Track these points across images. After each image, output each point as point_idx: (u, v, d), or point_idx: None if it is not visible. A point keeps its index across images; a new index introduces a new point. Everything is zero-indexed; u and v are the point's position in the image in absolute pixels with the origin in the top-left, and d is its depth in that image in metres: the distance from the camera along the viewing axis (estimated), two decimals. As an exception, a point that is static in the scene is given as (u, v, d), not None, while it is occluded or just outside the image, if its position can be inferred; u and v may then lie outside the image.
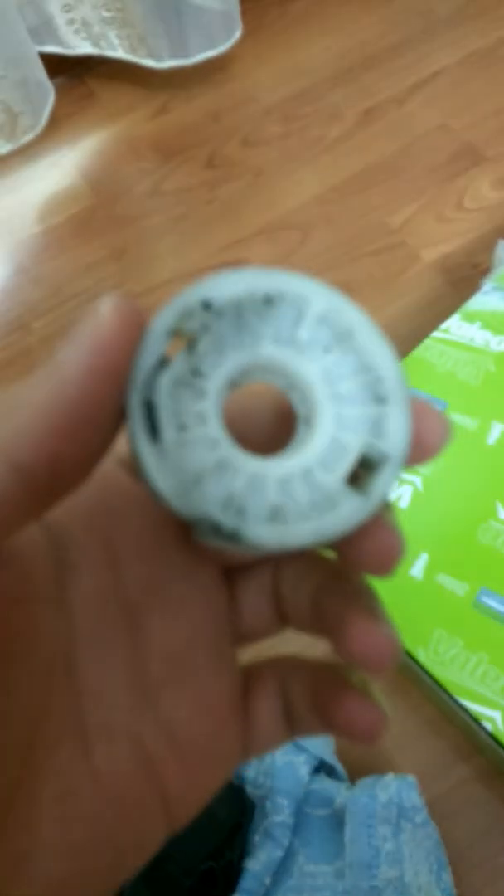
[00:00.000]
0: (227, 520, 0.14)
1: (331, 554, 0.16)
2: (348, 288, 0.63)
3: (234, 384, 0.15)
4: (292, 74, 0.79)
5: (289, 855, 0.40)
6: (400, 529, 0.15)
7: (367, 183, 0.70)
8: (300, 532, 0.14)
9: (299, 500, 0.14)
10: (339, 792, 0.41)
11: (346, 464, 0.15)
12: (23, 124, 0.75)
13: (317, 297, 0.15)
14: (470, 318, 0.51)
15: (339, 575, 0.17)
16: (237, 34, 0.75)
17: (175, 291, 0.14)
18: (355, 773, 0.43)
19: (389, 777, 0.40)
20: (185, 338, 0.14)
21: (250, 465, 0.14)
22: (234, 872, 0.38)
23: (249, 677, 0.18)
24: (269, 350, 0.15)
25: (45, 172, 0.76)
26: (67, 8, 0.74)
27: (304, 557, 0.18)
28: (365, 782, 0.41)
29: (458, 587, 0.42)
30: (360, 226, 0.68)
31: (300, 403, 0.15)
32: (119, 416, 0.13)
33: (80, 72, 0.82)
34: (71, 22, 0.75)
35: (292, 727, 0.18)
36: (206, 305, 0.14)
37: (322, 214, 0.69)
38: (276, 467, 0.15)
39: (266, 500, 0.14)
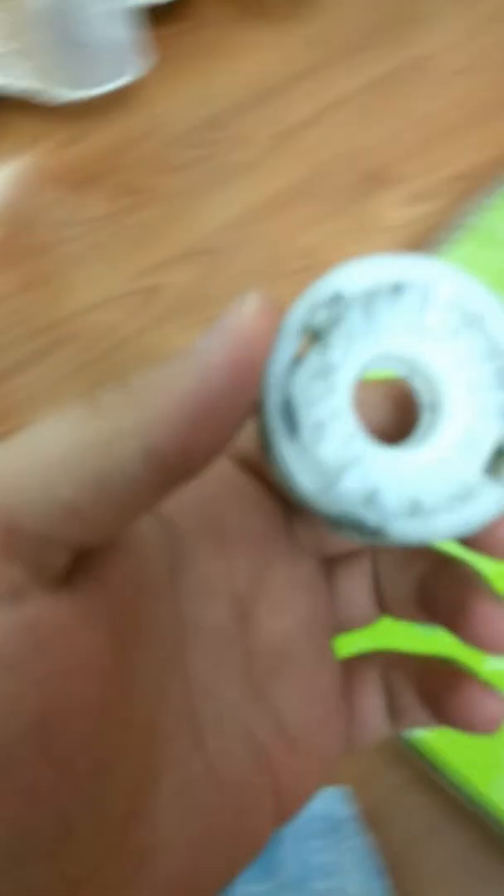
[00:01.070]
0: (370, 516, 0.14)
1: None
2: (265, 310, 0.64)
3: (363, 372, 0.15)
4: (202, 101, 0.80)
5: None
6: None
7: (280, 206, 0.71)
8: (442, 525, 0.14)
9: (438, 492, 0.14)
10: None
11: (483, 453, 0.14)
12: None
13: (444, 282, 0.14)
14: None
15: (448, 561, 0.17)
16: (142, 64, 0.76)
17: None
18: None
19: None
20: (317, 331, 0.14)
21: (387, 458, 0.14)
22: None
23: (349, 670, 0.18)
24: (399, 338, 0.14)
25: (-46, 204, 0.75)
26: (-30, 39, 0.73)
27: None
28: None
29: None
30: (275, 249, 0.69)
31: (425, 390, 0.15)
32: (248, 409, 0.13)
33: (-13, 102, 0.82)
34: (-26, 53, 0.74)
35: (397, 721, 0.18)
36: (337, 298, 0.14)
37: (237, 238, 0.70)
38: (412, 459, 0.14)
39: (406, 495, 0.14)
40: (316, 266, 0.67)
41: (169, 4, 0.82)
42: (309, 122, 0.77)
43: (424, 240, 0.64)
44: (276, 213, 0.71)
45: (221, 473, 0.17)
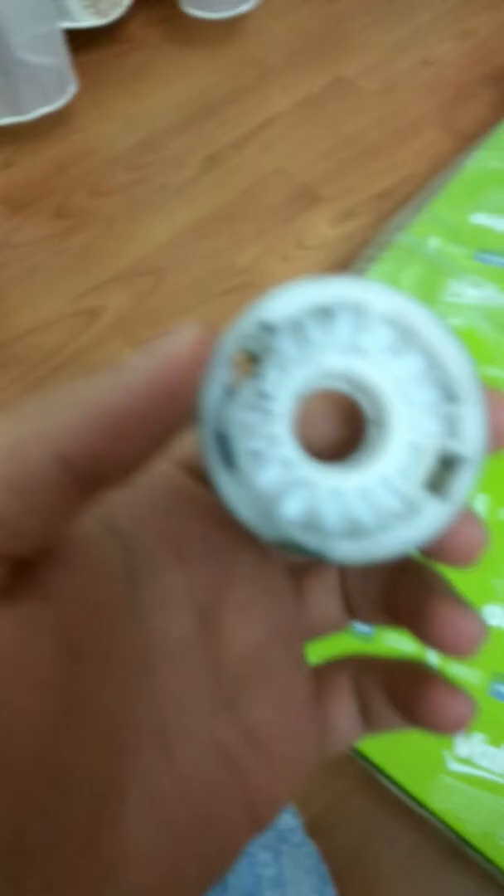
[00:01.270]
0: (310, 540, 0.14)
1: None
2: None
3: (301, 396, 0.15)
4: (135, 124, 0.81)
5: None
6: (480, 518, 0.15)
7: (214, 226, 0.73)
8: (385, 544, 0.14)
9: (380, 510, 0.14)
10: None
11: (424, 468, 0.14)
12: None
13: (376, 300, 0.14)
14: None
15: (411, 565, 0.17)
16: (72, 89, 0.76)
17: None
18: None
19: (262, 804, 0.42)
20: (248, 360, 0.14)
21: (327, 479, 0.14)
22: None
23: (321, 676, 0.18)
24: (334, 360, 0.14)
25: None
26: None
27: None
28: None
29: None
30: (210, 268, 0.70)
31: (369, 407, 0.15)
32: (170, 432, 0.13)
33: None
34: None
35: (369, 724, 0.18)
36: (266, 327, 0.14)
37: (173, 259, 0.71)
38: (354, 479, 0.14)
39: (347, 516, 0.14)
40: (251, 284, 0.68)
41: (100, 29, 0.83)
42: (240, 144, 0.78)
43: (354, 256, 0.66)
44: (209, 234, 0.72)
45: (178, 485, 0.17)
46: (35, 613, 0.13)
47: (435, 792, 0.40)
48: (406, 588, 0.17)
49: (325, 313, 0.14)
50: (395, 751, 0.41)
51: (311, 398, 0.15)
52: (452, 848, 0.42)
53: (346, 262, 0.67)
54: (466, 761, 0.40)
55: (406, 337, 0.14)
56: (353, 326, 0.14)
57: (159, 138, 0.80)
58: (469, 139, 0.73)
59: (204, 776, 0.15)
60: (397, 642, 0.44)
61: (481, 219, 0.58)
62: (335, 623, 0.19)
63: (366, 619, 0.18)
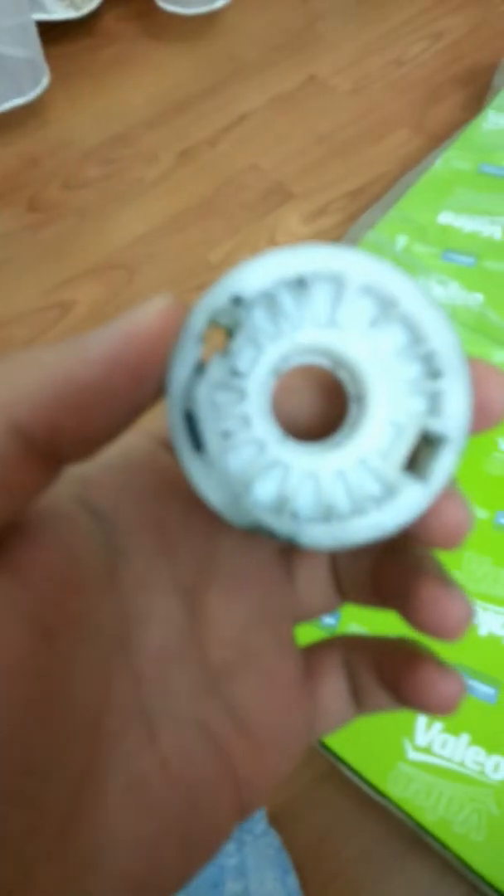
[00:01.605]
0: (280, 525, 0.13)
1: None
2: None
3: (277, 373, 0.14)
4: (108, 118, 0.81)
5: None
6: (465, 498, 0.14)
7: (187, 221, 0.73)
8: (359, 528, 0.13)
9: (356, 493, 0.14)
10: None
11: (403, 449, 0.14)
12: None
13: (354, 269, 0.13)
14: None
15: (399, 545, 0.16)
16: (44, 81, 0.76)
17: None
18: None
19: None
20: (224, 335, 0.13)
21: (302, 460, 0.14)
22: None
23: (311, 657, 0.18)
24: (311, 335, 0.13)
25: None
26: None
27: None
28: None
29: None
30: (183, 263, 0.70)
31: (350, 382, 0.14)
32: (139, 407, 0.13)
33: None
34: None
35: (360, 705, 0.18)
36: (237, 301, 0.13)
37: (146, 253, 0.71)
38: (330, 460, 0.14)
39: (320, 499, 0.14)
40: (223, 280, 0.69)
41: (74, 22, 0.83)
42: (213, 139, 0.79)
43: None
44: (183, 229, 0.72)
45: (158, 462, 0.17)
46: (3, 592, 0.13)
47: (394, 781, 0.41)
48: (393, 568, 0.16)
49: (300, 284, 0.13)
50: (356, 740, 0.42)
51: (290, 373, 0.15)
52: (414, 836, 0.43)
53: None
54: (425, 750, 0.41)
55: (387, 308, 0.13)
56: (331, 298, 0.13)
57: (133, 132, 0.80)
58: (440, 139, 0.73)
59: (188, 761, 0.15)
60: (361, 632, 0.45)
61: (448, 218, 0.59)
62: (326, 604, 0.18)
63: (357, 601, 0.18)
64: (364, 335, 0.14)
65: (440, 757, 0.41)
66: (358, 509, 0.14)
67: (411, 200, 0.61)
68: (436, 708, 0.15)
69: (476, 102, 0.77)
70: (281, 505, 0.13)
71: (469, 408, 0.13)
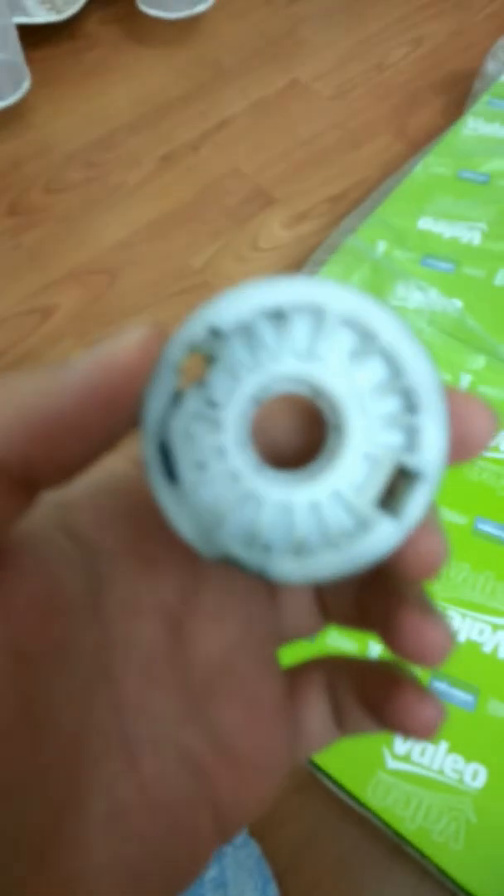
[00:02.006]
0: (251, 558, 0.13)
1: None
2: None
3: (257, 401, 0.14)
4: (91, 122, 0.81)
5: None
6: (442, 527, 0.14)
7: (169, 226, 0.73)
8: (328, 563, 0.13)
9: (328, 527, 0.13)
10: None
11: (378, 482, 0.13)
12: None
13: (333, 301, 0.13)
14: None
15: (381, 571, 0.16)
16: (25, 84, 0.76)
17: None
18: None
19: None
20: (203, 364, 0.13)
21: (275, 492, 0.14)
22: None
23: (294, 678, 0.18)
24: (289, 367, 0.13)
25: None
26: None
27: None
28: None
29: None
30: (165, 268, 0.70)
31: (329, 412, 0.14)
32: (115, 436, 0.13)
33: None
34: None
35: (342, 727, 0.17)
36: (214, 332, 0.13)
37: (128, 258, 0.71)
38: (304, 492, 0.14)
39: (292, 532, 0.13)
40: (206, 284, 0.68)
41: (56, 25, 0.83)
42: (196, 144, 0.78)
43: (306, 259, 0.67)
44: (165, 233, 0.72)
45: (142, 489, 0.16)
46: None
47: (374, 790, 0.41)
48: (376, 594, 0.16)
49: (278, 316, 0.13)
50: (335, 750, 0.42)
51: (270, 401, 0.15)
52: (393, 845, 0.42)
53: (300, 264, 0.68)
54: (404, 758, 0.41)
55: (367, 341, 0.13)
56: (311, 330, 0.13)
57: (115, 136, 0.79)
58: (420, 145, 0.74)
59: (170, 786, 0.15)
60: (338, 641, 0.44)
61: (427, 224, 0.59)
62: (310, 627, 0.18)
63: (341, 623, 0.18)
64: (343, 368, 0.13)
65: (419, 766, 0.41)
66: (330, 543, 0.13)
67: (391, 206, 0.61)
68: (416, 732, 0.15)
69: (456, 108, 0.77)
70: (252, 538, 0.13)
71: (445, 445, 0.13)
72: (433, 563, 0.14)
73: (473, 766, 0.40)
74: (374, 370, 0.13)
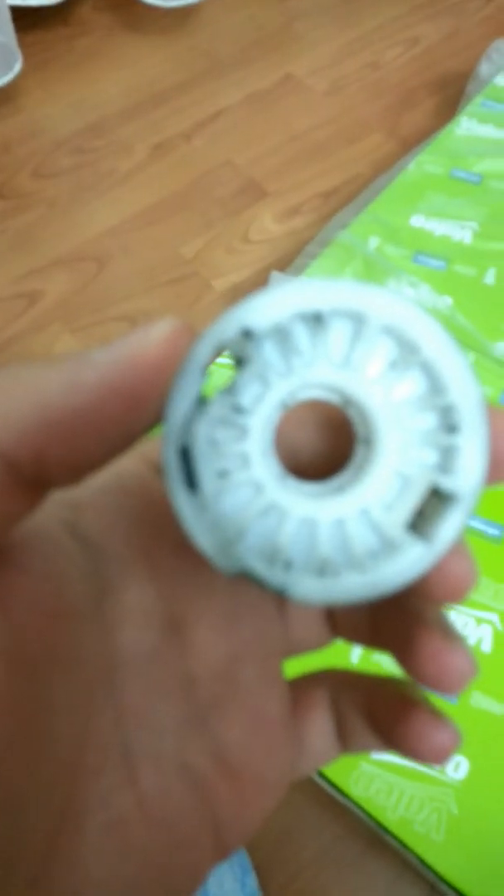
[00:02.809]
0: (272, 575, 0.13)
1: None
2: (146, 317, 0.65)
3: (283, 407, 0.13)
4: (83, 108, 0.80)
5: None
6: (470, 550, 0.13)
7: (160, 215, 0.72)
8: (352, 586, 0.12)
9: (354, 546, 0.13)
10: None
11: (409, 503, 0.13)
12: None
13: (376, 308, 0.12)
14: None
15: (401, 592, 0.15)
16: (17, 67, 0.75)
17: None
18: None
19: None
20: (235, 361, 0.12)
21: (300, 506, 0.13)
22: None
23: (298, 692, 0.17)
24: (324, 375, 0.13)
25: None
26: None
27: None
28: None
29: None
30: (155, 256, 0.70)
31: (359, 423, 0.13)
32: (133, 435, 0.12)
33: None
34: None
35: (345, 744, 0.17)
36: (247, 333, 0.12)
37: (118, 245, 0.70)
38: (330, 507, 0.13)
39: (316, 550, 0.13)
40: (196, 275, 0.68)
41: (50, 10, 0.82)
42: (189, 133, 0.78)
43: (298, 252, 0.67)
44: (154, 222, 0.72)
45: (152, 490, 0.16)
46: None
47: (356, 780, 0.41)
48: (394, 613, 0.16)
49: (317, 320, 0.12)
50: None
51: (297, 406, 0.14)
52: (373, 836, 0.43)
53: (291, 258, 0.68)
54: (387, 749, 0.41)
55: (408, 352, 0.12)
56: (349, 337, 0.12)
57: (107, 123, 0.79)
58: (411, 145, 0.74)
59: (169, 800, 0.14)
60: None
61: (420, 221, 0.59)
62: (317, 640, 0.18)
63: (351, 639, 0.17)
64: (380, 378, 0.13)
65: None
66: (354, 564, 0.13)
67: (384, 203, 0.61)
68: (429, 758, 0.15)
69: (448, 109, 0.78)
70: (274, 554, 0.13)
71: (484, 468, 0.12)
72: (461, 588, 0.13)
73: (456, 757, 0.41)
74: (413, 383, 0.13)
